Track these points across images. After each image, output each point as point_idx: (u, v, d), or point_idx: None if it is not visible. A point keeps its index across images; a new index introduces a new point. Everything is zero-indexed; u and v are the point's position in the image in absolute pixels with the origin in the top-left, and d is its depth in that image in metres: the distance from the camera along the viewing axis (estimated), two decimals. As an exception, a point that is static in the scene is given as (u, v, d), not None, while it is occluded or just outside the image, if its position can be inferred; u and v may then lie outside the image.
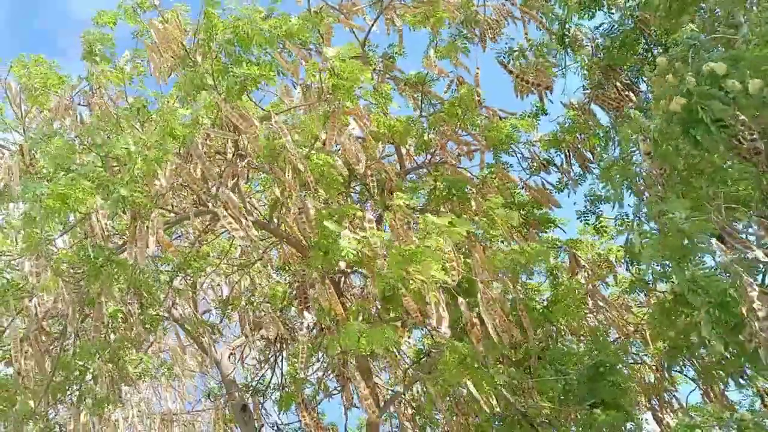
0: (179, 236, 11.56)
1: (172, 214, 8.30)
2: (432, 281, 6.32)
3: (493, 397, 7.28)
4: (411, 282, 6.31)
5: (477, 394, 6.96)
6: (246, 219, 7.04)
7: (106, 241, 6.95)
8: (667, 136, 5.38)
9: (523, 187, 10.76)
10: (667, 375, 10.16)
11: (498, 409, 7.55)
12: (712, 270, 5.56)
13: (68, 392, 9.11)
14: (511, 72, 10.23)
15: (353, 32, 10.69)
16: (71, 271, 7.53)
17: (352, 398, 9.94)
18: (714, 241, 5.43)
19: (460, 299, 7.06)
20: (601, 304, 10.50)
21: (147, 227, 6.52)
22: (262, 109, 8.93)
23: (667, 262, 6.01)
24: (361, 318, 7.67)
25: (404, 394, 10.92)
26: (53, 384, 8.09)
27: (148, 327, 9.56)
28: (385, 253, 6.66)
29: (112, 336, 8.94)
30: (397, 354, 10.12)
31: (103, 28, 8.72)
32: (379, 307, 8.07)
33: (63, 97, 8.33)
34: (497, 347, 7.20)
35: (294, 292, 10.05)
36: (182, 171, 6.99)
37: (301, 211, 7.31)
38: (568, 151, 10.79)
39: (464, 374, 6.82)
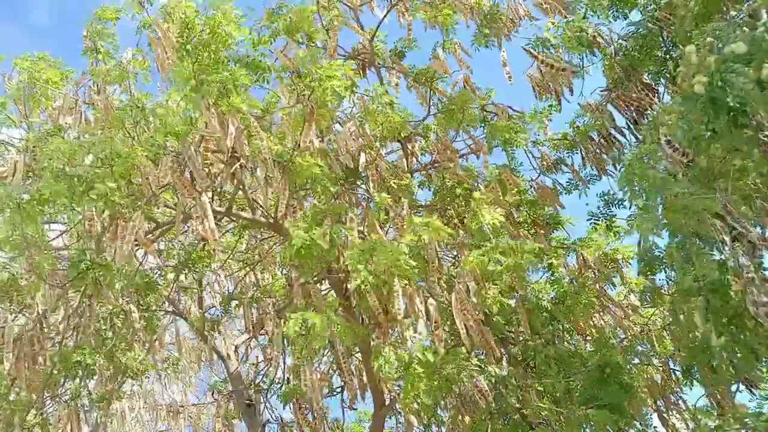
0: (185, 231, 11.55)
1: (169, 214, 8.28)
2: (397, 274, 6.23)
3: (487, 393, 7.21)
4: (375, 279, 6.23)
5: (472, 389, 6.88)
6: (210, 221, 6.97)
7: (98, 243, 6.94)
8: (688, 120, 5.23)
9: (531, 187, 10.64)
10: (674, 377, 10.09)
11: (493, 405, 7.48)
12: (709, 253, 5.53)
13: (62, 387, 9.17)
14: (536, 58, 10.06)
15: (360, 26, 10.58)
16: (57, 273, 7.53)
17: (355, 395, 9.91)
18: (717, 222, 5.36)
19: (431, 300, 7.00)
20: (607, 304, 10.41)
21: (127, 228, 6.50)
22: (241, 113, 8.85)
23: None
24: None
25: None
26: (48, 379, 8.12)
27: (148, 323, 9.56)
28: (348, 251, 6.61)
29: (110, 334, 8.96)
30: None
31: (106, 23, 8.68)
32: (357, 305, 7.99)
33: (67, 95, 8.31)
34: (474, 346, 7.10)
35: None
36: (174, 172, 6.93)
37: (294, 210, 7.25)
38: (582, 151, 10.65)
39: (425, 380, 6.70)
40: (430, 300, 7.01)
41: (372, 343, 7.26)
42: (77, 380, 9.53)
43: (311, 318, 6.34)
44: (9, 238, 6.66)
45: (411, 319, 6.71)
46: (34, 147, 8.30)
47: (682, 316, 7.01)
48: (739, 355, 6.14)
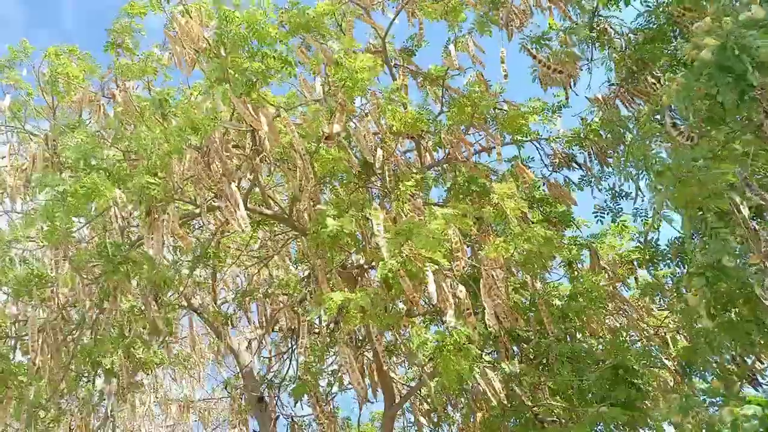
0: (200, 227, 11.64)
1: (191, 207, 8.35)
2: (429, 261, 6.26)
3: (498, 389, 7.23)
4: (409, 263, 6.24)
5: (483, 384, 6.91)
6: (240, 210, 7.03)
7: (124, 236, 7.01)
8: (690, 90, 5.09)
9: (543, 184, 10.65)
10: (686, 378, 10.05)
11: (504, 402, 7.51)
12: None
13: (80, 384, 9.26)
14: (535, 58, 10.03)
15: (373, 27, 10.61)
16: (89, 266, 7.60)
17: (367, 391, 9.95)
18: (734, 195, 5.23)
19: (461, 287, 7.02)
20: (621, 305, 10.38)
21: (163, 221, 6.56)
22: (271, 104, 8.93)
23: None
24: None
25: (420, 390, 10.91)
26: (67, 379, 8.20)
27: (166, 318, 9.63)
28: (383, 236, 6.62)
29: (128, 329, 9.04)
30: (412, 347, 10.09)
31: (132, 19, 8.78)
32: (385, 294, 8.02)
33: (87, 89, 8.40)
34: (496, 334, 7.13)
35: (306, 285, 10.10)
36: (198, 164, 7.00)
37: (314, 203, 7.30)
38: (591, 147, 10.62)
39: (461, 362, 6.72)
40: (460, 287, 7.04)
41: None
42: (95, 381, 9.68)
43: (350, 296, 6.38)
44: (49, 230, 6.72)
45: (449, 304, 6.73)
46: (54, 140, 8.38)
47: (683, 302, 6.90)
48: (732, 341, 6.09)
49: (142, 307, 8.85)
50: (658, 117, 6.71)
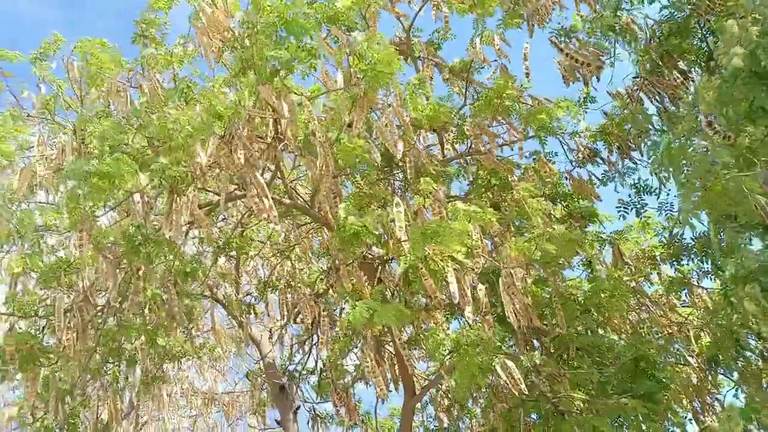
0: (224, 218, 11.79)
1: (212, 195, 8.47)
2: (450, 260, 6.28)
3: (518, 379, 7.22)
4: (431, 261, 6.28)
5: (504, 375, 6.91)
6: (268, 199, 7.11)
7: (147, 219, 7.14)
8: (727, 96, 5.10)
9: (566, 178, 10.58)
10: (710, 375, 9.93)
11: (526, 393, 7.49)
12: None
13: (105, 371, 9.44)
14: (562, 51, 9.98)
15: (398, 19, 10.66)
16: (112, 247, 7.75)
17: (388, 384, 9.97)
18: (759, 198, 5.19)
19: (480, 285, 7.03)
20: (643, 301, 10.29)
21: (183, 203, 6.67)
22: (294, 93, 9.03)
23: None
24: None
25: (440, 384, 10.91)
26: (92, 363, 8.36)
27: (190, 308, 9.78)
28: (405, 233, 6.65)
29: (151, 317, 9.20)
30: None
31: (158, 12, 8.96)
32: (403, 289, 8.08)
33: (114, 79, 8.58)
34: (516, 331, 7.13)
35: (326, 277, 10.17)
36: (222, 151, 7.11)
37: (333, 195, 7.36)
38: (614, 142, 10.53)
39: (476, 359, 6.75)
40: (479, 285, 7.06)
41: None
42: (119, 366, 9.86)
43: (373, 307, 6.45)
44: (72, 211, 6.86)
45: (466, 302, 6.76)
46: (82, 129, 8.57)
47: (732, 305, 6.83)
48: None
49: (164, 297, 9.01)
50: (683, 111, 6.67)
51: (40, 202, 9.97)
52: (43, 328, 8.67)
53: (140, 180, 6.64)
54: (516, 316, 6.94)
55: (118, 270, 7.66)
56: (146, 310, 9.31)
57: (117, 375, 10.12)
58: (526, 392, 7.51)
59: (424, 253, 6.33)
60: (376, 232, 6.85)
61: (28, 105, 10.01)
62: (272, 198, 9.12)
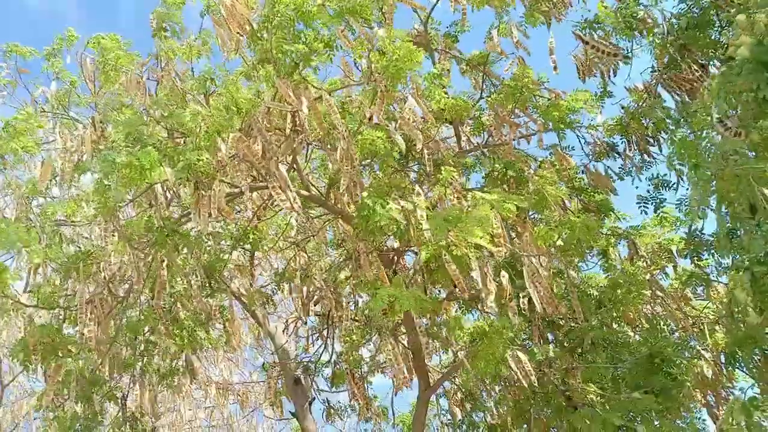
0: (239, 211, 11.84)
1: (233, 187, 8.51)
2: (474, 248, 6.29)
3: (528, 371, 7.25)
4: (454, 249, 6.28)
5: (515, 366, 6.94)
6: (292, 191, 7.15)
7: (168, 211, 7.18)
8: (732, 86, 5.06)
9: (583, 172, 10.55)
10: (725, 370, 9.88)
11: (536, 386, 7.52)
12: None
13: (135, 366, 9.52)
14: (586, 42, 9.92)
15: (416, 11, 10.63)
16: (137, 238, 7.81)
17: (404, 376, 10.01)
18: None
19: (503, 272, 7.03)
20: (659, 293, 10.25)
21: (209, 196, 6.71)
22: (314, 86, 9.05)
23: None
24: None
25: (454, 378, 10.95)
26: (119, 357, 8.43)
27: (212, 297, 9.86)
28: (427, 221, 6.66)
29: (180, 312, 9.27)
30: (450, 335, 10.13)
31: (172, 8, 9.00)
32: (425, 279, 8.09)
33: (132, 71, 8.63)
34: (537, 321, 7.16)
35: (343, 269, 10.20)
36: (242, 144, 7.14)
37: (354, 185, 7.38)
38: (632, 136, 10.48)
39: (498, 347, 6.77)
40: (503, 273, 7.08)
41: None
42: (141, 357, 9.95)
43: (395, 294, 6.47)
44: (101, 202, 6.91)
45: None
46: (101, 122, 8.64)
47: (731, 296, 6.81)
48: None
49: (190, 291, 9.08)
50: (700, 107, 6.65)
51: (54, 197, 10.07)
52: (64, 319, 8.75)
53: (166, 172, 6.67)
54: (541, 303, 6.96)
55: (142, 263, 7.72)
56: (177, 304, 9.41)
57: (147, 368, 10.21)
58: (536, 384, 7.54)
59: (446, 239, 6.32)
60: (403, 222, 6.84)
61: (42, 100, 10.12)
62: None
